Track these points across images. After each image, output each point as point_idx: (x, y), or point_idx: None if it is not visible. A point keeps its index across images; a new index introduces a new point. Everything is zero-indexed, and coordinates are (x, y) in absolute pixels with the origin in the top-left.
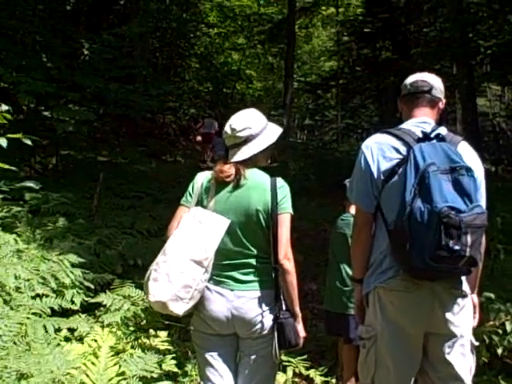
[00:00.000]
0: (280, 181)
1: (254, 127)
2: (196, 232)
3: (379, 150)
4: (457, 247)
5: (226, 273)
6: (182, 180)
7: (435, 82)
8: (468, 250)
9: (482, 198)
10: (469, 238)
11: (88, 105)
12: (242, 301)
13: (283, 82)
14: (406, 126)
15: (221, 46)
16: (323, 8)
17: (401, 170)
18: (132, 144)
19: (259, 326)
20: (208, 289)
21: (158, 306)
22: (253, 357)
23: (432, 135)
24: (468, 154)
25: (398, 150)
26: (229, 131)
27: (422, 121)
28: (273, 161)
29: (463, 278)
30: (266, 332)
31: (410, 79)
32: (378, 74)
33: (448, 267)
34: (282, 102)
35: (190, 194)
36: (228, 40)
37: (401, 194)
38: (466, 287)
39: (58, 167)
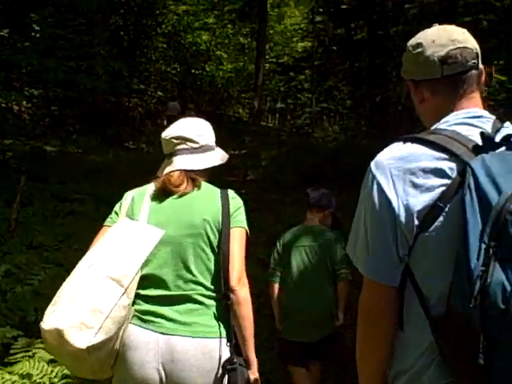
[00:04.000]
0: (232, 192)
1: (211, 138)
2: (117, 244)
3: (406, 174)
4: None
5: (157, 308)
6: (142, 174)
7: (471, 41)
8: None
9: None
10: None
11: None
12: (178, 351)
13: (255, 62)
14: (447, 125)
15: (189, 25)
16: None
17: (450, 207)
18: (91, 131)
19: None
20: (130, 331)
21: (51, 338)
22: None
23: (498, 139)
24: None
25: (440, 171)
26: (183, 133)
27: (473, 114)
28: (242, 148)
29: None
30: None
31: (433, 49)
32: (352, 55)
33: None
34: (252, 84)
35: (115, 212)
36: (197, 19)
37: (459, 254)
38: None
39: None
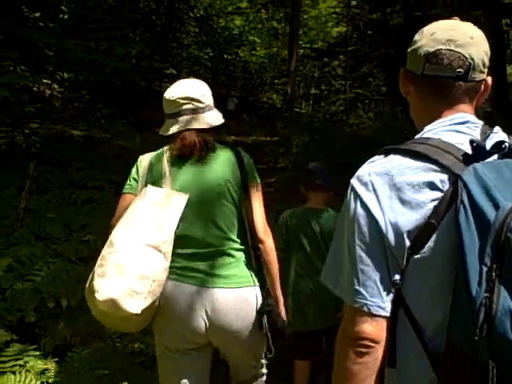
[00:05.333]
0: (241, 150)
1: (211, 97)
2: (148, 212)
3: (392, 190)
4: None
5: (194, 264)
6: None
7: (474, 49)
8: None
9: None
10: None
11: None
12: (220, 301)
13: (288, 48)
14: (432, 133)
15: (221, 10)
16: None
17: (444, 224)
18: (120, 116)
19: (243, 333)
20: (170, 286)
21: (107, 306)
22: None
23: (488, 146)
24: None
25: (430, 185)
26: (189, 93)
27: (459, 120)
28: (274, 135)
29: None
30: (252, 340)
31: (425, 42)
32: (387, 41)
33: None
34: (286, 69)
35: (134, 178)
36: (230, 3)
37: (457, 279)
38: None
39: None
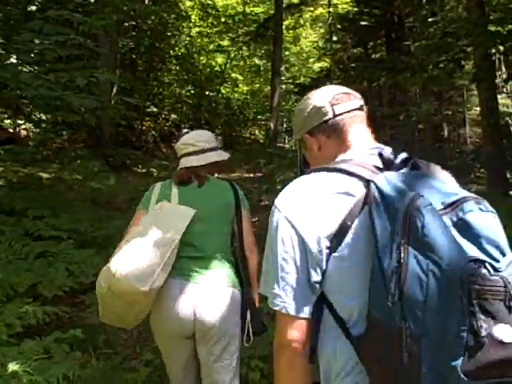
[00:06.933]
0: (234, 183)
1: (209, 142)
2: (163, 218)
3: (311, 201)
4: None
5: (191, 265)
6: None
7: (355, 93)
8: None
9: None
10: None
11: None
12: (208, 296)
13: (270, 83)
14: (353, 156)
15: (202, 47)
16: (311, 8)
17: (357, 222)
18: (96, 156)
19: (224, 325)
20: (170, 282)
21: (121, 284)
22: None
23: (398, 160)
24: (457, 187)
25: (345, 193)
26: (187, 140)
27: (373, 146)
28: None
29: None
30: (229, 332)
31: (315, 100)
32: (369, 74)
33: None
34: (268, 105)
35: (147, 199)
36: (211, 41)
37: (373, 264)
38: None
39: None
